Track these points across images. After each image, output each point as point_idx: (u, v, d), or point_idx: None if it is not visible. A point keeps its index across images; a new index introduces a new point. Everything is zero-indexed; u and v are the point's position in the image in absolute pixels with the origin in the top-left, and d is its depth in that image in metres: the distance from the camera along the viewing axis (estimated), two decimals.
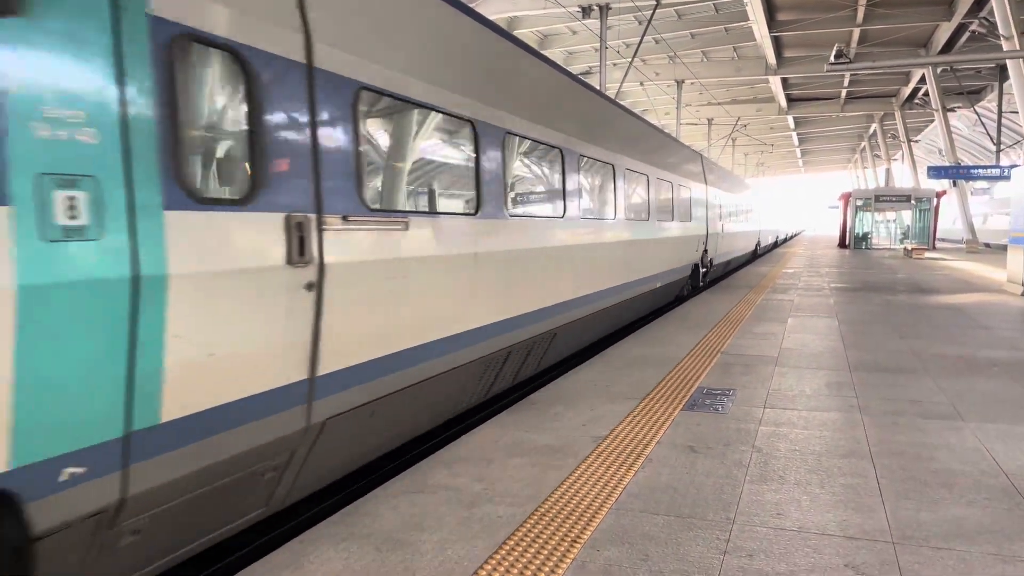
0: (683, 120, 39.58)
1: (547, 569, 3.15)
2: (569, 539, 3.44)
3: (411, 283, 4.63)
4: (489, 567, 3.17)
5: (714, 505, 3.84)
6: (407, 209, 4.87)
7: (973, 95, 38.15)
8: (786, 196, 74.15)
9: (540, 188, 7.31)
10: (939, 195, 36.80)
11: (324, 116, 3.84)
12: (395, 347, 4.51)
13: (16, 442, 2.43)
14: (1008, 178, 31.26)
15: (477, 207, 5.62)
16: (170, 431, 2.98)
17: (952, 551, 3.28)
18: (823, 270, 21.50)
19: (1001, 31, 21.94)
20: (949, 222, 49.58)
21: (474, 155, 5.61)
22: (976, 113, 36.97)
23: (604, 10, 18.76)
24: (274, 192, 3.47)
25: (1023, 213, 14.30)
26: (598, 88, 9.04)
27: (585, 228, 8.21)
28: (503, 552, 3.31)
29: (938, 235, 38.18)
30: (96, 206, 2.62)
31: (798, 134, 57.39)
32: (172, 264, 2.90)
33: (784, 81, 37.15)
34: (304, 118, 3.69)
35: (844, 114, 45.82)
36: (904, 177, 50.06)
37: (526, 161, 6.88)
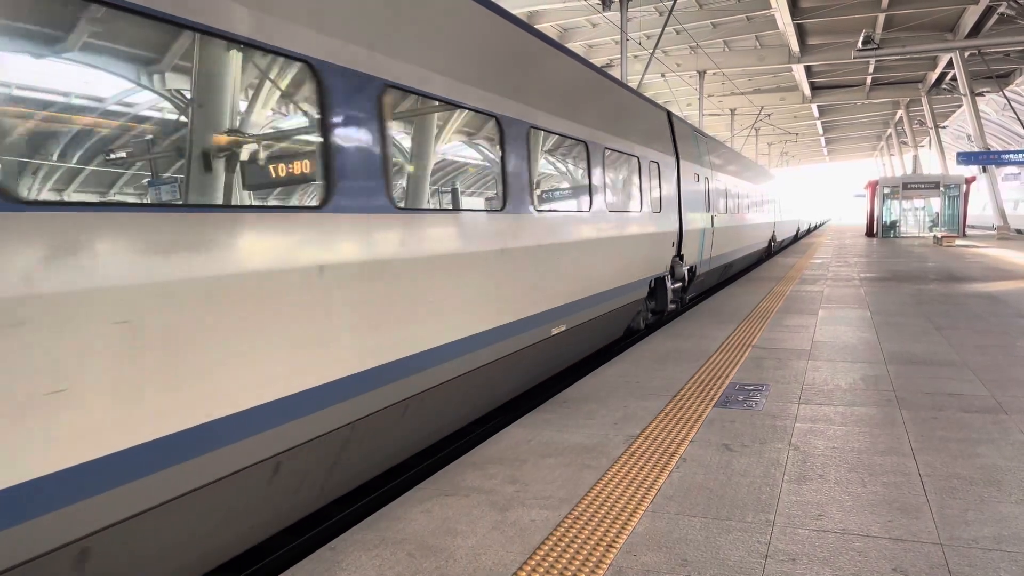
0: (705, 111, 39.12)
1: (583, 575, 3.07)
2: (605, 543, 3.36)
3: (727, 234, 15.84)
4: (523, 574, 3.10)
5: (752, 506, 3.74)
6: (725, 212, 15.63)
7: (1002, 79, 37.29)
8: (812, 187, 73.57)
9: (743, 204, 18.55)
10: (968, 181, 36.10)
11: (728, 188, 16.92)
12: (721, 252, 15.15)
13: (691, 257, 12.31)
14: None
15: (717, 211, 15.16)
16: (709, 261, 14.04)
17: (1004, 552, 3.16)
18: (851, 260, 21.18)
19: None
20: (978, 208, 48.67)
21: (721, 195, 15.96)
22: (1005, 97, 36.16)
23: (624, 1, 18.56)
24: (714, 210, 14.51)
25: None
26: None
27: (740, 217, 17.99)
28: (538, 557, 3.24)
29: (967, 222, 37.47)
30: (705, 217, 13.83)
31: (822, 122, 56.56)
32: (715, 225, 14.53)
33: (808, 69, 36.59)
34: (709, 189, 14.64)
35: (869, 101, 45.07)
36: (931, 164, 49.16)
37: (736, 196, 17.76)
